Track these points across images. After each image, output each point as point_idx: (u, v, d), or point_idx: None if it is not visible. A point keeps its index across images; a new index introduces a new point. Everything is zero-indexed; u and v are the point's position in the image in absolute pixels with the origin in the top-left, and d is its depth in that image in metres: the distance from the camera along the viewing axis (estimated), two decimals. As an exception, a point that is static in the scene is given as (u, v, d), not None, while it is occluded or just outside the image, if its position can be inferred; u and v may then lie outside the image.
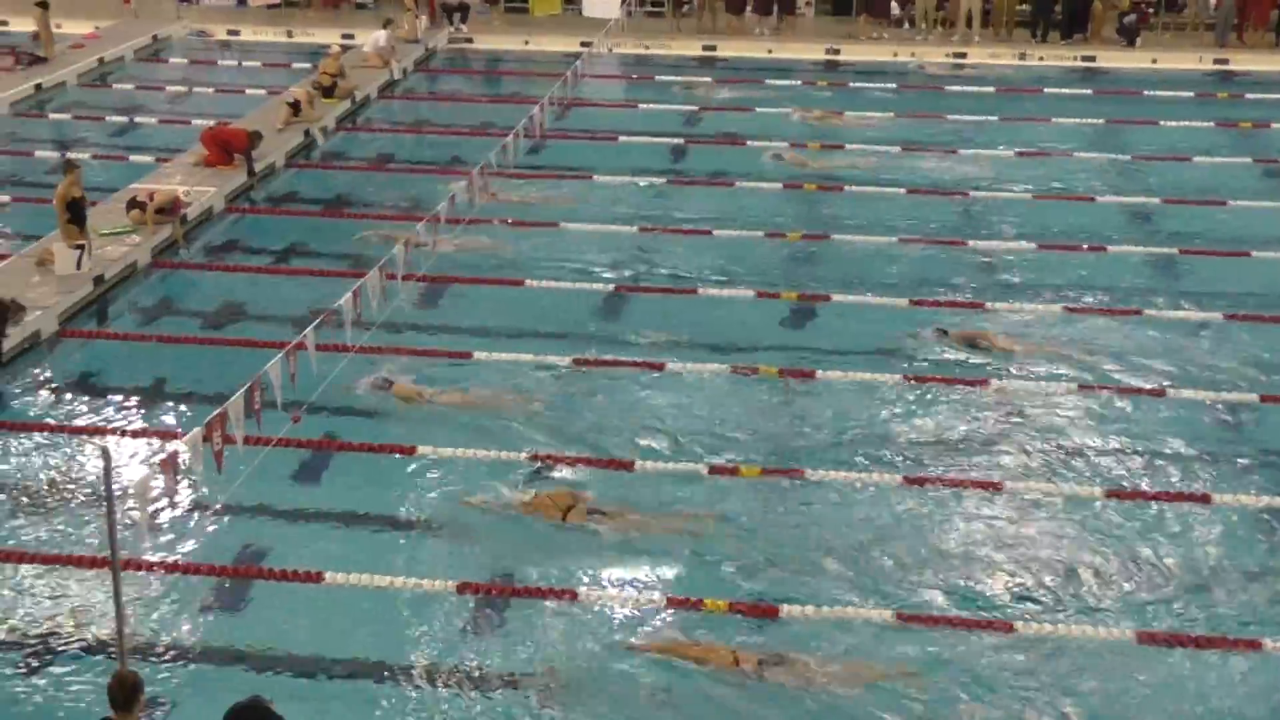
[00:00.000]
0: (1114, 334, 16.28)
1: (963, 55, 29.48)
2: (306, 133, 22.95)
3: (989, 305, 16.92)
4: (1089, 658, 10.76)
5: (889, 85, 27.42)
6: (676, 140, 23.52)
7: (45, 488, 12.93)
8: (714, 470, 13.25)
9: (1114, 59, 29.04)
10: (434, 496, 12.81)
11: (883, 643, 10.89)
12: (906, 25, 31.03)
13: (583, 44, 28.15)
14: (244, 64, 28.95)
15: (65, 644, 10.71)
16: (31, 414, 14.29)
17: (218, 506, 12.33)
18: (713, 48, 29.98)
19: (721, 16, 30.90)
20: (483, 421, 14.11)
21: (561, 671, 10.47)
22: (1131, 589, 11.66)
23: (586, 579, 11.61)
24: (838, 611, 11.20)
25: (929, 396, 14.77)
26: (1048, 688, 10.45)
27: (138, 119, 24.80)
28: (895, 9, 30.88)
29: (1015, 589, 11.65)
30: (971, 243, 19.05)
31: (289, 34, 30.99)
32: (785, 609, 11.21)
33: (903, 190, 21.14)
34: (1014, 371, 15.29)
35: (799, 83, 27.61)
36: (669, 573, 11.78)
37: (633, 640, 10.83)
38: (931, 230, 19.54)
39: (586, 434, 13.94)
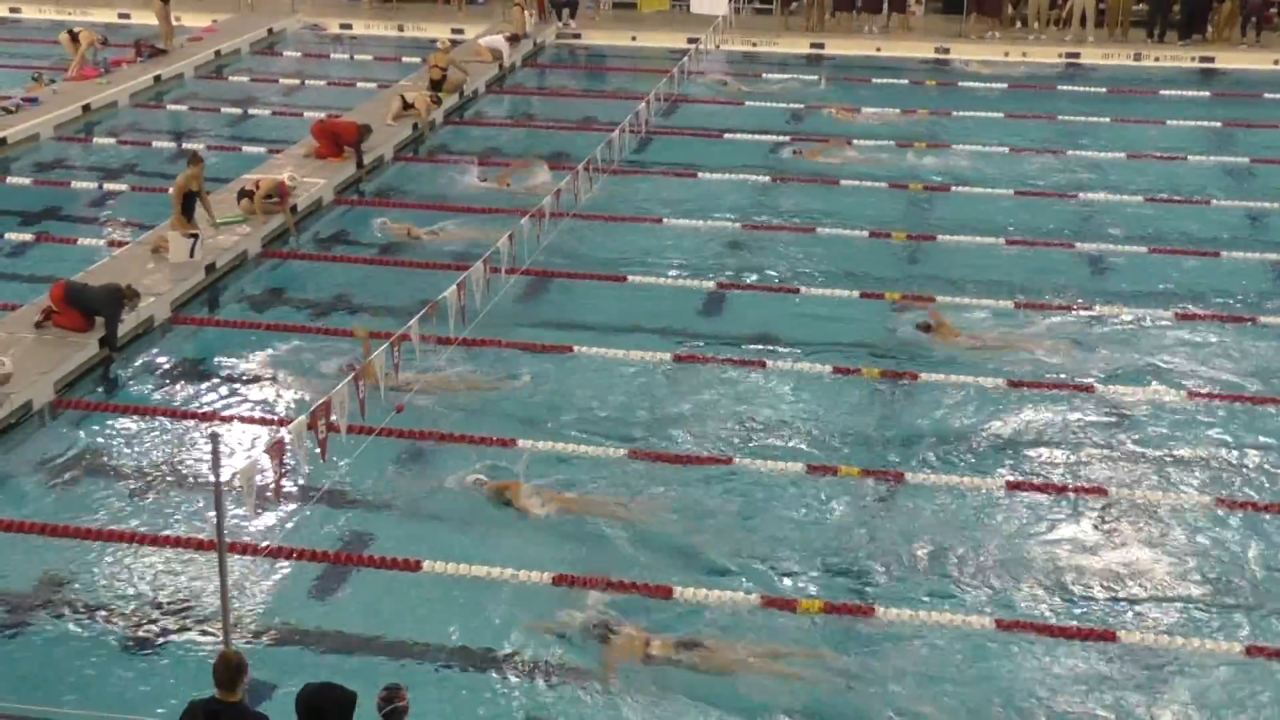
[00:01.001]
0: (1227, 341, 15.95)
1: (1076, 55, 29.02)
2: (415, 126, 23.21)
3: (1097, 308, 16.66)
4: (1196, 670, 10.55)
5: (998, 85, 27.08)
6: (781, 138, 23.43)
7: (155, 470, 13.21)
8: (812, 469, 13.19)
9: (1233, 60, 28.44)
10: (534, 489, 12.87)
11: (981, 648, 10.78)
12: (1019, 24, 30.61)
13: (690, 40, 28.14)
14: (355, 57, 29.36)
15: (171, 624, 10.94)
16: (143, 398, 14.59)
17: (321, 493, 12.51)
18: (820, 46, 29.82)
19: (830, 14, 30.72)
20: (584, 416, 14.17)
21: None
22: (1240, 601, 11.41)
23: (674, 575, 11.60)
24: (935, 616, 11.08)
25: (1032, 400, 14.57)
26: (1151, 699, 10.27)
27: (251, 111, 25.24)
28: (1008, 8, 30.46)
29: (1119, 597, 11.45)
30: (1079, 245, 18.77)
31: (400, 28, 31.37)
32: (881, 611, 11.13)
33: (1010, 191, 20.89)
34: (1120, 376, 15.05)
35: (905, 82, 27.39)
36: (765, 571, 11.73)
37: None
38: (1039, 232, 19.28)
39: (686, 430, 13.94)
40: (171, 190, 17.39)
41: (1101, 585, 11.61)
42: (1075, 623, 11.07)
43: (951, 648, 10.79)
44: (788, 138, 23.38)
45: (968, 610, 11.21)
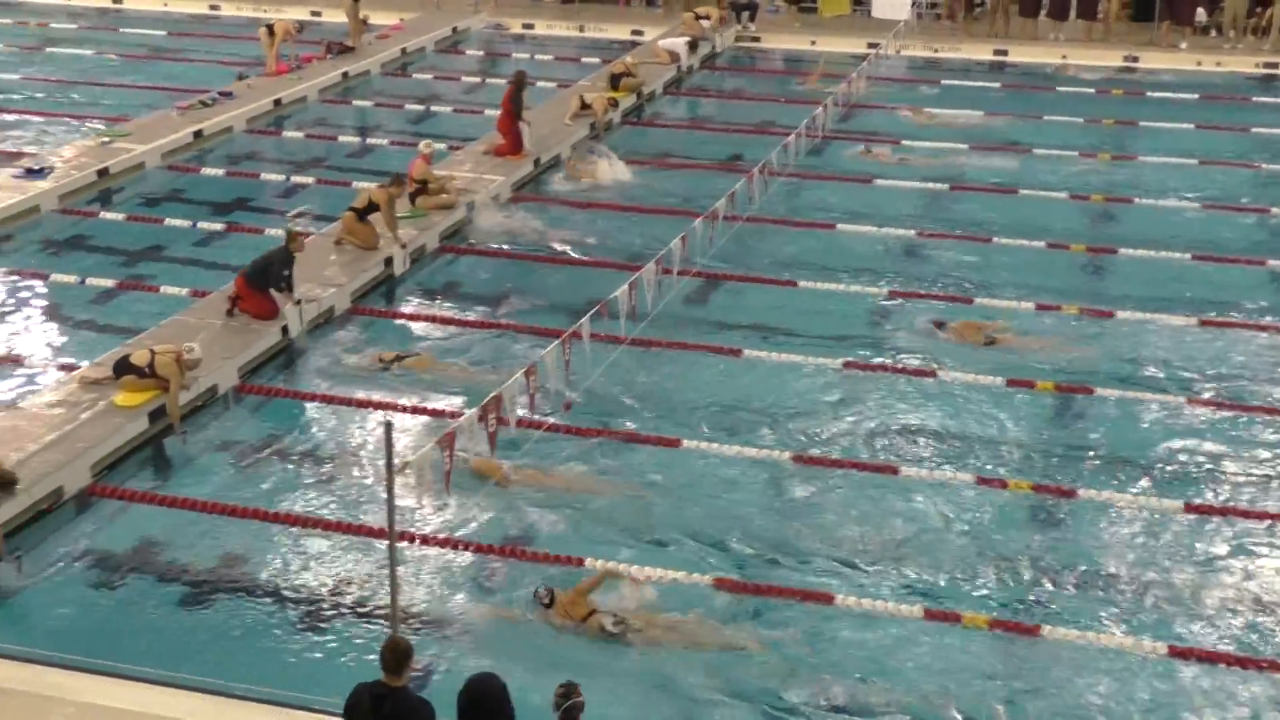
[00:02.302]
0: None
1: (1275, 64, 28.00)
2: (591, 126, 23.44)
3: (1287, 329, 16.11)
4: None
5: (1189, 95, 26.28)
6: (960, 145, 23.08)
7: (330, 457, 13.54)
8: (982, 482, 12.97)
9: None
10: (694, 489, 12.91)
11: (1152, 675, 10.49)
12: (1214, 33, 29.68)
13: (870, 45, 27.89)
14: (536, 57, 29.74)
15: (341, 607, 11.21)
16: (321, 385, 14.98)
17: (490, 485, 12.71)
18: (1004, 52, 29.30)
19: (1015, 20, 30.16)
20: (750, 419, 14.15)
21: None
22: None
23: (837, 582, 11.53)
24: (1105, 638, 10.81)
25: (1215, 422, 14.12)
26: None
27: (434, 108, 25.75)
28: (1202, 16, 29.53)
29: (1299, 630, 11.04)
30: (1271, 262, 18.11)
31: (580, 29, 31.70)
32: (1047, 630, 10.90)
33: (1198, 204, 20.27)
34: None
35: (1092, 91, 26.76)
36: (929, 583, 11.58)
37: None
38: (1227, 247, 18.68)
39: (852, 438, 13.84)
40: (374, 190, 17.78)
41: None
42: (1253, 653, 10.69)
43: (1120, 671, 10.51)
44: (965, 145, 23.03)
45: (1139, 634, 10.91)
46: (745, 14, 31.03)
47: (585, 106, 23.65)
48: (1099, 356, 15.49)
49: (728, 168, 21.50)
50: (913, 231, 19.24)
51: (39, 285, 17.26)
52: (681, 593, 11.33)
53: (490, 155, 21.51)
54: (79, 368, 14.65)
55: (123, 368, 13.87)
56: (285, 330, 15.64)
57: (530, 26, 32.13)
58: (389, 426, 9.31)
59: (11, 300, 16.86)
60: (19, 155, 21.76)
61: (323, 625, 11.00)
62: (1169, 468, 13.34)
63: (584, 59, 28.96)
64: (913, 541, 12.16)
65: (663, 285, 15.41)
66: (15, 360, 15.30)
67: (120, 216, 19.86)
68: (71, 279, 17.34)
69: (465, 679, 8.07)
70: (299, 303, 15.74)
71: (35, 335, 16.02)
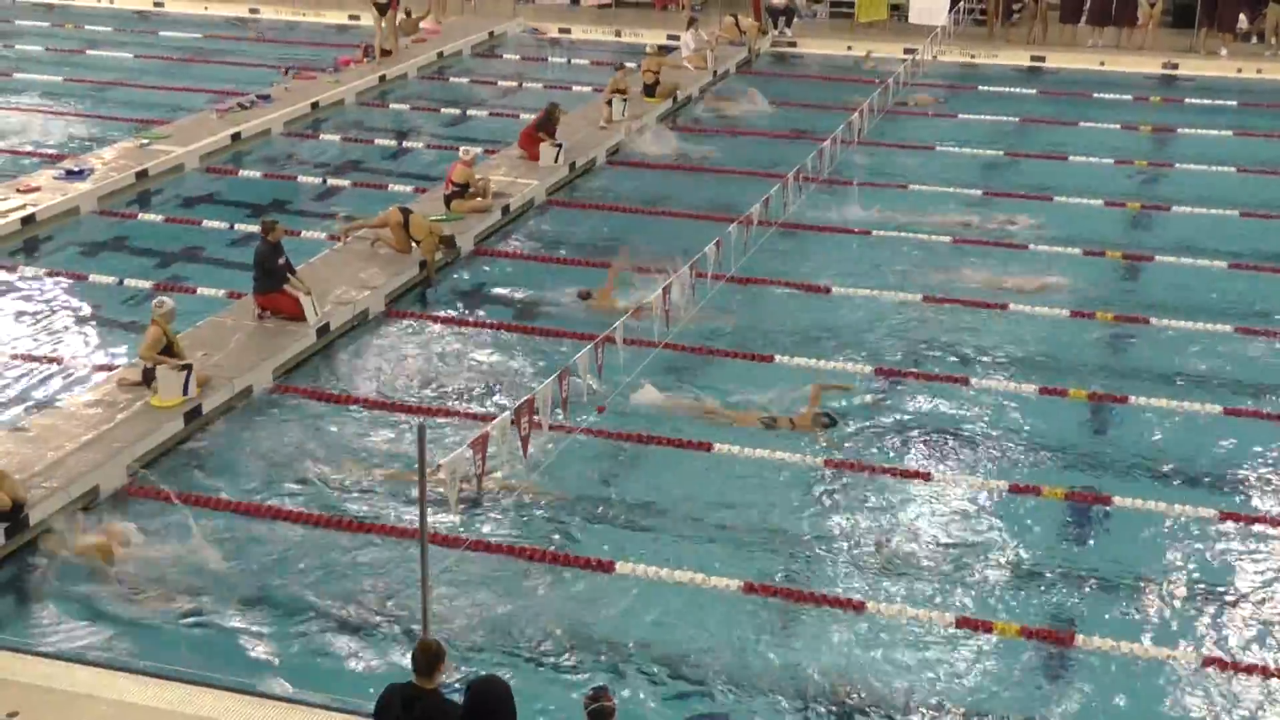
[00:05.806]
0: None
1: (1314, 72, 27.85)
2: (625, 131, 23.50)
3: (1324, 338, 15.98)
4: None
5: (1228, 102, 26.12)
6: (995, 153, 23.01)
7: (363, 459, 13.57)
8: (1015, 489, 12.92)
9: None
10: (725, 494, 12.91)
11: (1186, 684, 10.42)
12: (1255, 40, 29.46)
13: (906, 51, 27.81)
14: (572, 61, 29.81)
15: (373, 608, 11.25)
16: (354, 388, 15.04)
17: (521, 489, 12.74)
18: (1041, 59, 29.18)
19: (1054, 26, 30.03)
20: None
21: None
22: None
23: (878, 591, 11.51)
24: (1137, 649, 10.75)
25: (1253, 431, 14.02)
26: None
27: (470, 111, 25.85)
28: (1243, 22, 29.33)
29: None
30: (1310, 271, 18.03)
31: (617, 33, 31.76)
32: (1081, 639, 10.84)
33: (1236, 213, 20.14)
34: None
35: (1129, 98, 26.63)
36: (959, 590, 11.54)
37: None
38: (1265, 256, 18.54)
39: (885, 443, 13.81)
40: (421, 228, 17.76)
41: (1317, 627, 11.12)
42: (1286, 665, 10.64)
43: (1152, 681, 10.45)
44: (1002, 152, 22.98)
45: (1173, 643, 10.86)
46: (782, 19, 31.01)
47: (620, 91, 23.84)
48: (1134, 364, 15.42)
49: (763, 174, 21.41)
50: (948, 238, 19.16)
51: (78, 286, 17.41)
52: (708, 597, 11.33)
53: (525, 160, 21.58)
54: (116, 368, 14.78)
55: (148, 374, 14.00)
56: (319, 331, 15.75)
57: (567, 31, 32.21)
58: (422, 429, 9.34)
59: (51, 301, 17.01)
60: (60, 157, 21.95)
61: (354, 626, 11.04)
62: (1203, 475, 13.26)
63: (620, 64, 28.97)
64: (943, 547, 12.10)
65: (698, 289, 15.40)
66: (54, 360, 15.43)
67: (159, 218, 20.01)
68: (110, 280, 17.49)
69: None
70: (309, 293, 15.85)
71: (74, 336, 16.16)
